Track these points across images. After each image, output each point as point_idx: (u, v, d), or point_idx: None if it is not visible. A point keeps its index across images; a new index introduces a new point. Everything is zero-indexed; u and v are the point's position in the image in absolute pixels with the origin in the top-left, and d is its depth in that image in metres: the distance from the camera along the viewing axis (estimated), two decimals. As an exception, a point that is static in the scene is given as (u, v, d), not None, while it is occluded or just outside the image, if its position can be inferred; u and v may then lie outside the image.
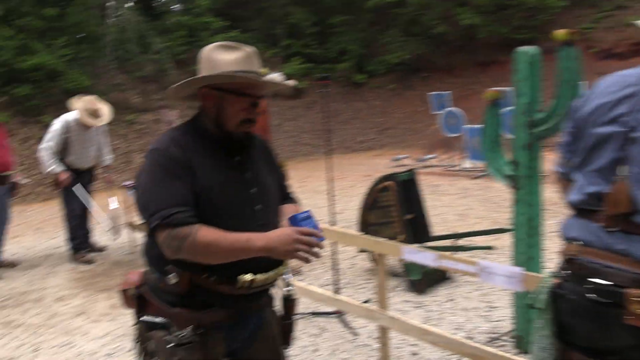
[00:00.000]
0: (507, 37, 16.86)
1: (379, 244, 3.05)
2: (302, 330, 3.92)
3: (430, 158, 11.97)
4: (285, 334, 2.02)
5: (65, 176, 5.56)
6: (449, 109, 11.13)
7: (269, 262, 1.76)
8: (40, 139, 12.10)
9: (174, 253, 1.66)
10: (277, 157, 2.06)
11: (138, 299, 1.83)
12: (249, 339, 1.91)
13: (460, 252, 4.62)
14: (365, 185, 10.82)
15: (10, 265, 5.86)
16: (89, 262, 5.86)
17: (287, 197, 2.06)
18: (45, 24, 14.01)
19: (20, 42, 12.68)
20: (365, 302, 4.35)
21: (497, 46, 17.32)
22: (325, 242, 1.76)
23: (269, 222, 1.82)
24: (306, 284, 3.99)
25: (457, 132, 10.79)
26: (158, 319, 1.76)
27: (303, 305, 4.15)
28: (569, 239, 1.65)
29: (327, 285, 4.80)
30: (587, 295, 1.52)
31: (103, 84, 14.44)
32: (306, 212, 1.76)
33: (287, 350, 2.06)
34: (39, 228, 8.00)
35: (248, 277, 1.74)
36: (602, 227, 1.55)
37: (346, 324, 3.99)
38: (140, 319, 1.82)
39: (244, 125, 1.78)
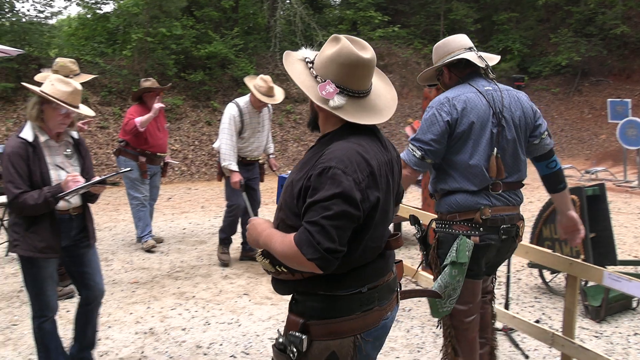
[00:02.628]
0: (703, 40, 14.94)
1: (575, 265, 2.75)
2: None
3: (599, 171, 10.95)
4: None
5: (237, 179, 5.14)
6: (629, 118, 10.04)
7: None
8: (207, 123, 13.09)
9: None
10: (315, 175, 1.60)
11: None
12: None
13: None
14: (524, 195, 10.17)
15: (158, 240, 6.15)
16: (225, 264, 5.47)
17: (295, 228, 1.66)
18: (221, 15, 14.98)
19: (198, 32, 13.69)
20: (536, 322, 4.03)
21: (688, 51, 15.42)
22: None
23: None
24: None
25: (637, 144, 9.72)
26: None
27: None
28: None
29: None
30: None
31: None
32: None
33: None
34: (204, 206, 8.53)
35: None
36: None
37: (516, 344, 3.71)
38: None
39: None
